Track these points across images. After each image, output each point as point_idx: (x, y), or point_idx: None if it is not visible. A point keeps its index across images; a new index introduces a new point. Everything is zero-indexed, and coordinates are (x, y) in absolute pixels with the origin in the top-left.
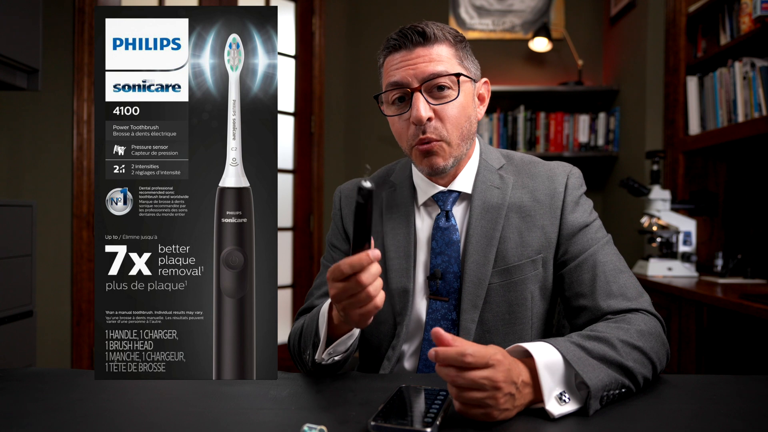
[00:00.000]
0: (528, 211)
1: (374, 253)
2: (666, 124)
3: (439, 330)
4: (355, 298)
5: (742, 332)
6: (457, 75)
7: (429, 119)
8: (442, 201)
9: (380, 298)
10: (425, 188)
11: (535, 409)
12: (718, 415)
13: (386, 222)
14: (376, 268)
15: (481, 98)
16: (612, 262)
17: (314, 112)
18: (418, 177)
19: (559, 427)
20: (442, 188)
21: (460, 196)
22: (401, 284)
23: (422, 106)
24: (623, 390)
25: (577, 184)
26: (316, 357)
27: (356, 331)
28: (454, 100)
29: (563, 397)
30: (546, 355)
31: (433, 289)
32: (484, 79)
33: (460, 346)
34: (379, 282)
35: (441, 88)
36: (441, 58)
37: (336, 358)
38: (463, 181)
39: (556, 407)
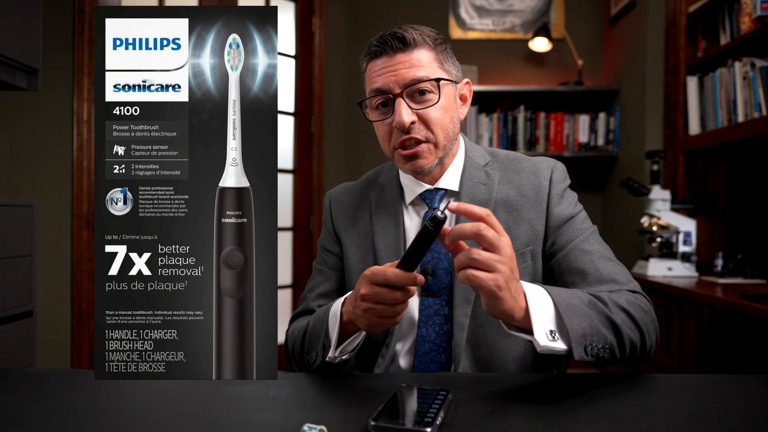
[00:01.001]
0: (515, 205)
1: (420, 278)
2: (666, 124)
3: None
4: (381, 306)
5: (742, 332)
6: (437, 80)
7: (412, 123)
8: (429, 199)
9: (401, 317)
10: (412, 187)
11: (534, 411)
12: (718, 415)
13: (376, 222)
14: (413, 292)
15: (463, 98)
16: (599, 251)
17: (314, 112)
18: (405, 177)
19: (559, 427)
20: (428, 186)
21: (446, 193)
22: None
23: (404, 112)
24: (608, 347)
25: (561, 178)
26: (328, 356)
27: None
28: (435, 104)
29: (553, 335)
30: (539, 299)
31: (424, 286)
32: (466, 80)
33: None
34: (407, 304)
35: (422, 92)
36: (421, 63)
37: (344, 357)
38: (449, 179)
39: (544, 339)
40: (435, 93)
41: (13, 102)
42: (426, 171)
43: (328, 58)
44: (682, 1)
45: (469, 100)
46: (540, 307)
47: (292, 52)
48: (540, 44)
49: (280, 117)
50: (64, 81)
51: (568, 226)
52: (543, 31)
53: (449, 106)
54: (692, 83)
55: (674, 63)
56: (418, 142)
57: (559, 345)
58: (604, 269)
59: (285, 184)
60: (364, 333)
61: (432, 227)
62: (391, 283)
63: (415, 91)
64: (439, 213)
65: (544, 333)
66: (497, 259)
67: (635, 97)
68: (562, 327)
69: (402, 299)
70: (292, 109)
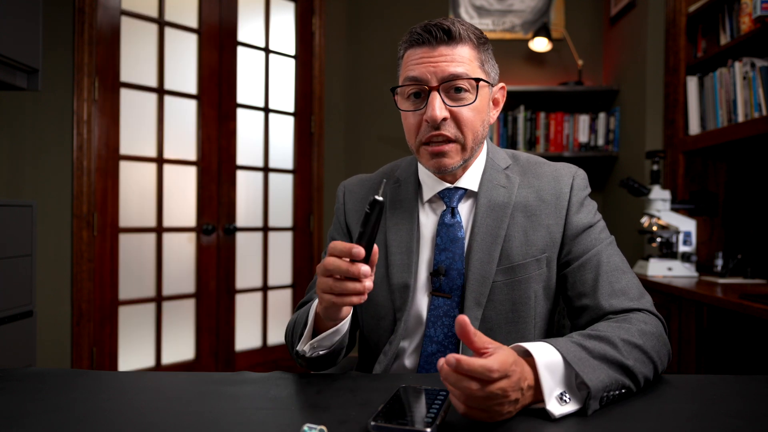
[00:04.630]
0: (533, 210)
1: (357, 250)
2: (666, 124)
3: (464, 320)
4: (331, 281)
5: (742, 332)
6: (477, 80)
7: (443, 119)
8: (448, 198)
9: (356, 298)
10: (431, 185)
11: (535, 409)
12: (718, 415)
13: (389, 217)
14: (365, 269)
15: (495, 102)
16: (615, 262)
17: (314, 112)
18: (424, 173)
19: (559, 427)
20: (448, 185)
21: (465, 193)
22: (401, 279)
23: (438, 106)
24: (623, 390)
25: (582, 185)
26: (297, 348)
27: (342, 328)
28: (470, 104)
29: (564, 397)
30: (546, 355)
31: (435, 285)
32: (501, 84)
33: (484, 359)
34: (362, 287)
35: (459, 89)
36: (463, 59)
37: (321, 352)
38: (470, 179)
39: (556, 407)
40: (472, 93)
41: (13, 102)
42: (449, 170)
43: (328, 58)
44: (682, 1)
45: (501, 105)
46: (548, 369)
47: (292, 52)
48: (540, 44)
49: (280, 117)
50: (64, 81)
51: (586, 235)
52: (543, 31)
53: (483, 109)
54: (692, 83)
55: (674, 63)
56: (447, 140)
57: (571, 407)
58: (617, 283)
59: (285, 184)
60: (342, 332)
61: (369, 210)
62: (336, 254)
63: (452, 87)
64: (377, 197)
65: (555, 399)
66: (491, 405)
67: (635, 97)
68: (571, 383)
69: (355, 273)
70: (292, 109)
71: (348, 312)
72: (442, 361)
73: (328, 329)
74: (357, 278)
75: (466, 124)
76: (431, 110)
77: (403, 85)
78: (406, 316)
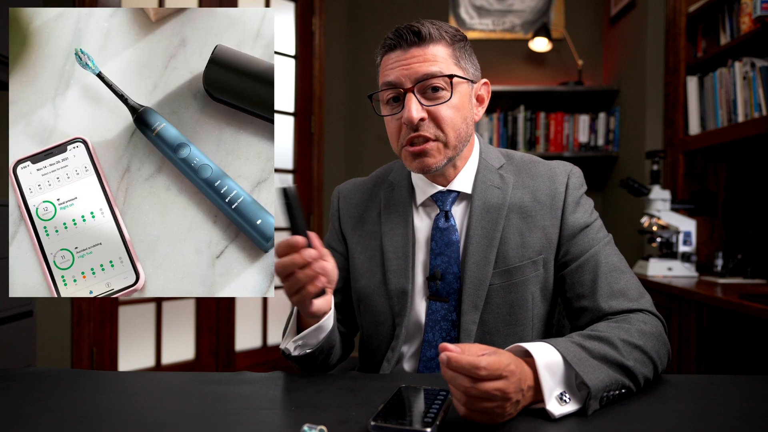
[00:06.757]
0: (529, 211)
1: (309, 252)
2: (666, 124)
3: (445, 345)
4: (292, 278)
5: (742, 332)
6: (451, 77)
7: (422, 119)
8: (441, 201)
9: (312, 285)
10: (424, 188)
11: (535, 409)
12: (718, 415)
13: (384, 222)
14: (309, 252)
15: (479, 99)
16: (613, 262)
17: (314, 112)
18: (417, 177)
19: (559, 427)
20: (441, 188)
21: (459, 196)
22: (399, 285)
23: (414, 107)
24: (623, 390)
25: (577, 184)
26: (281, 346)
27: (326, 325)
28: (447, 101)
29: (564, 397)
30: (546, 355)
31: (432, 290)
32: (484, 80)
33: (473, 357)
34: (311, 272)
35: (435, 89)
36: (436, 58)
37: (308, 350)
38: (463, 181)
39: (556, 407)
40: (447, 90)
41: None
42: (433, 170)
43: (328, 58)
44: (682, 1)
45: (486, 101)
46: (548, 369)
47: (292, 52)
48: (540, 44)
49: (280, 117)
50: None
51: (583, 235)
52: (543, 31)
53: (462, 106)
54: (692, 83)
55: (674, 63)
56: (427, 140)
57: (571, 407)
58: (615, 284)
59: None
60: (327, 329)
61: (287, 200)
62: (279, 253)
63: (427, 87)
64: (287, 186)
65: (555, 399)
66: (492, 407)
67: (635, 97)
68: (571, 383)
69: (290, 262)
70: (292, 109)
71: (325, 307)
72: (444, 356)
73: (310, 325)
74: (307, 266)
75: (445, 122)
76: (407, 112)
77: (379, 90)
78: (406, 322)
